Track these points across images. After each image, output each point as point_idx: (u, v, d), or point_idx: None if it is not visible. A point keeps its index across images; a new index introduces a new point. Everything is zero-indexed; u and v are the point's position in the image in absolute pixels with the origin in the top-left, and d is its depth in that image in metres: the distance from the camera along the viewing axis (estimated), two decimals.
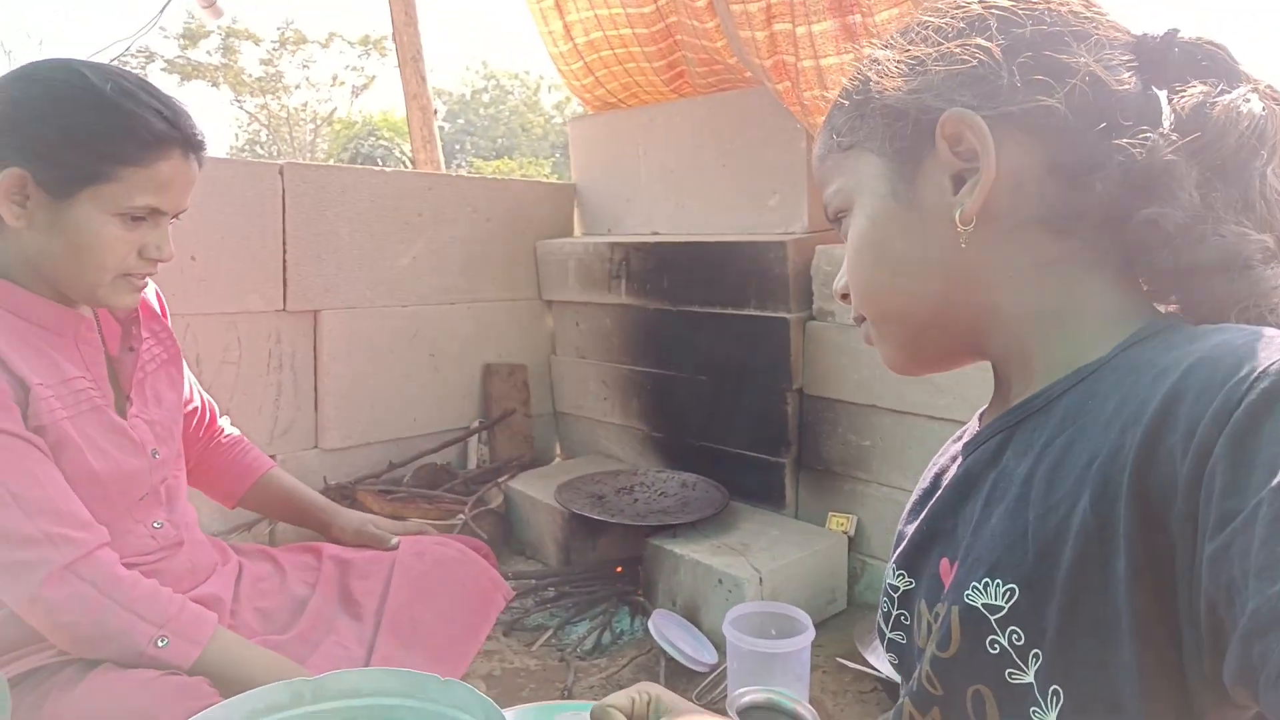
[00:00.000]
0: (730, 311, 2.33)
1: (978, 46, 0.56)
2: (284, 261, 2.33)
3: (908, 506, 0.74)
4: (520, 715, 0.85)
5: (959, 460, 0.66)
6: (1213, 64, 0.56)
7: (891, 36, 0.63)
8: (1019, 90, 0.55)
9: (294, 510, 1.49)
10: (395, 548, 1.40)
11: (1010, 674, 0.51)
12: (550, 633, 1.99)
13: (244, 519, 2.17)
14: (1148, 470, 0.45)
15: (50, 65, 1.03)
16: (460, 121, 28.00)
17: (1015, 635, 0.50)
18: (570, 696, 1.74)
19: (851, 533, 2.13)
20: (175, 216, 1.10)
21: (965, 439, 0.69)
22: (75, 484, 1.03)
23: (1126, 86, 0.56)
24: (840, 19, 1.81)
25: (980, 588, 0.53)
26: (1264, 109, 0.53)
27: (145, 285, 1.12)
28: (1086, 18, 0.58)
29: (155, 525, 1.17)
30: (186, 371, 1.37)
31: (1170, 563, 0.44)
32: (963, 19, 0.58)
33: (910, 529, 0.69)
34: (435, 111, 3.13)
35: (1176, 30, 0.57)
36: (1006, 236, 0.57)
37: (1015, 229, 0.57)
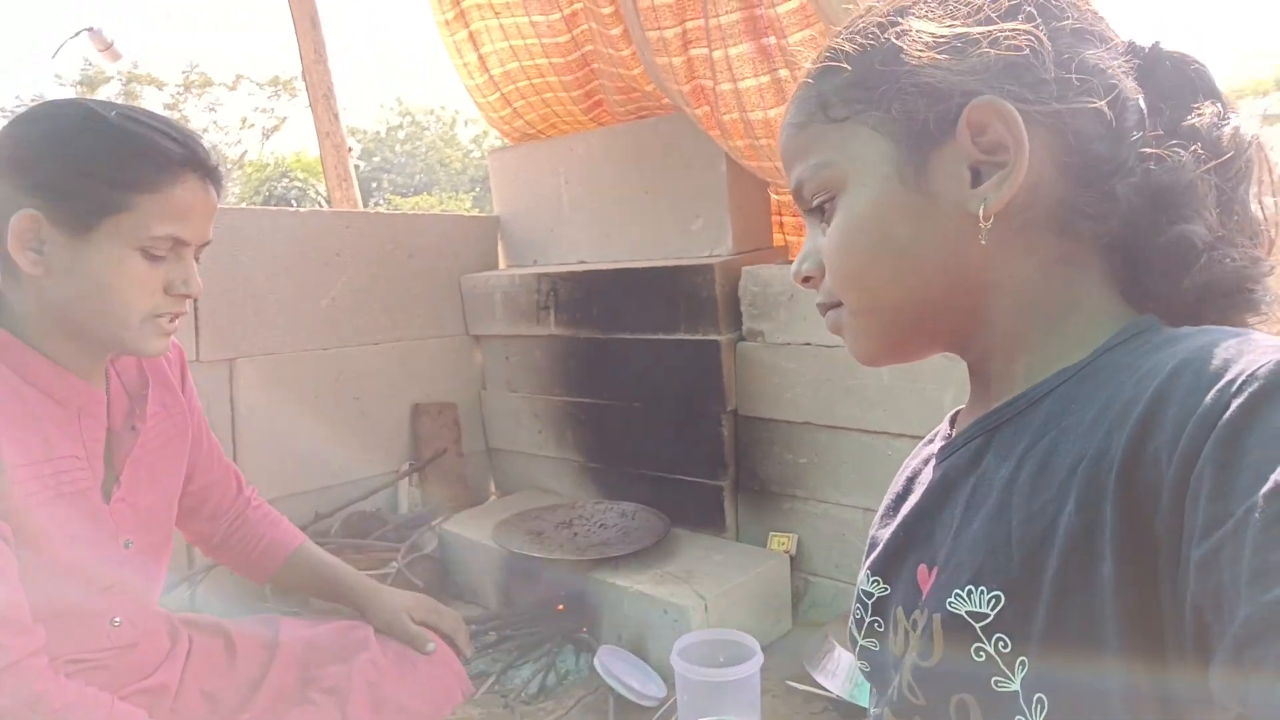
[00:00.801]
0: (661, 337, 2.32)
1: (1030, 34, 0.53)
2: (195, 310, 2.23)
3: (880, 511, 0.73)
4: None
5: (933, 464, 0.65)
6: (1200, 82, 0.58)
7: (928, 6, 0.57)
8: (1057, 86, 0.54)
9: (328, 589, 1.41)
10: (431, 653, 1.34)
11: (996, 682, 0.50)
12: (493, 679, 1.92)
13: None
14: (1133, 473, 0.44)
15: (52, 103, 1.00)
16: (377, 159, 27.64)
17: (1001, 642, 0.50)
18: None
19: (793, 551, 2.13)
20: (199, 251, 1.06)
21: (938, 443, 0.68)
22: (35, 571, 0.96)
23: (1137, 96, 0.56)
24: (755, 41, 1.83)
25: (963, 595, 0.52)
26: (1252, 134, 0.56)
27: (175, 328, 1.06)
28: (1100, 17, 0.58)
29: (114, 622, 1.09)
30: (212, 439, 1.31)
31: (1155, 566, 0.43)
32: (1006, 1, 0.55)
33: (885, 534, 0.67)
34: (351, 150, 3.07)
35: (1159, 42, 0.59)
36: (1015, 234, 0.56)
37: (1024, 227, 0.56)
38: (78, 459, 1.03)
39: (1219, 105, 0.57)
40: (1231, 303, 0.57)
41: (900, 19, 0.57)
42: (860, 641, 0.69)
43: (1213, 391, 0.43)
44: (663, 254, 2.51)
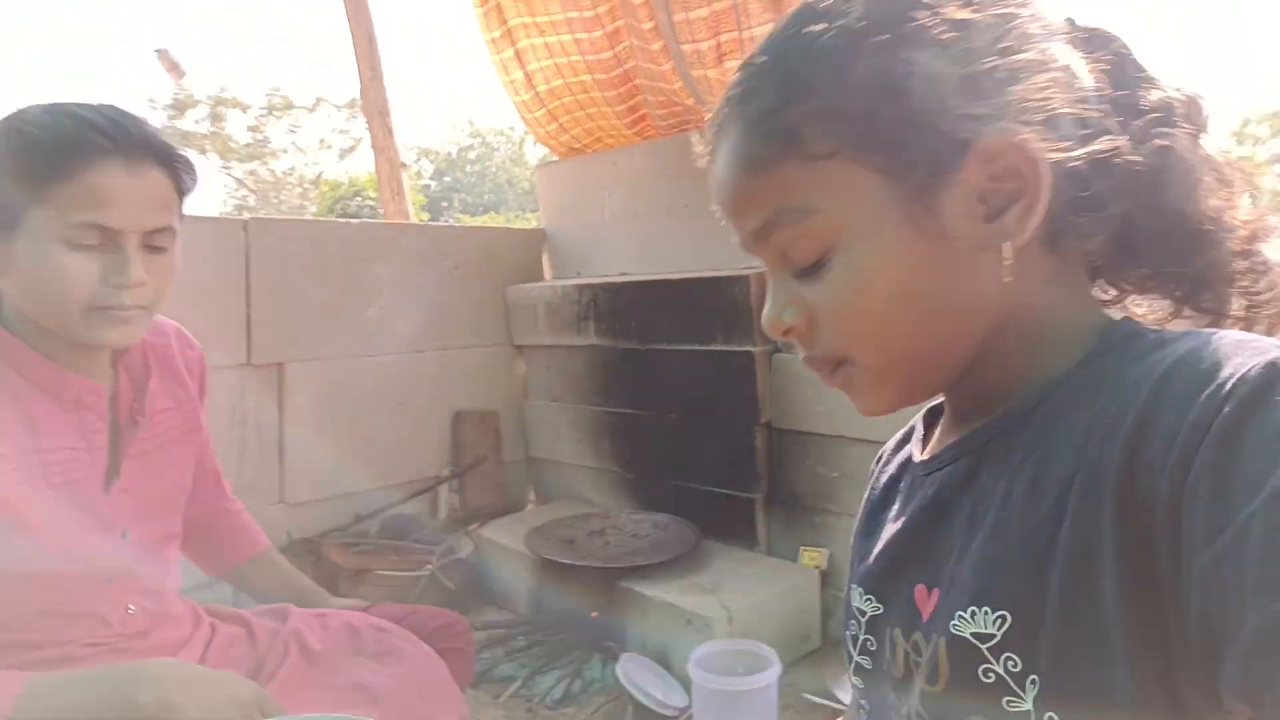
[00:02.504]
0: (696, 347, 2.33)
1: (1040, 65, 0.51)
2: (248, 315, 2.33)
3: (859, 518, 0.71)
4: None
5: (914, 474, 0.63)
6: (1130, 54, 0.57)
7: (930, 31, 0.50)
8: (1067, 117, 0.51)
9: (286, 594, 1.41)
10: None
11: (1008, 702, 0.48)
12: (519, 683, 1.94)
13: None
14: (1129, 484, 0.44)
15: (7, 114, 0.98)
16: (448, 179, 28.31)
17: (1011, 662, 0.48)
18: None
19: (824, 567, 2.10)
20: (156, 240, 1.01)
21: (916, 449, 0.66)
22: (33, 560, 0.98)
23: (1102, 88, 0.54)
24: None
25: (967, 616, 0.51)
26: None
27: (134, 317, 1.00)
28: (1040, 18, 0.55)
29: (129, 610, 1.10)
30: (206, 437, 1.31)
31: (1158, 576, 0.43)
32: (1005, 21, 0.52)
33: (873, 547, 0.65)
34: (416, 170, 3.17)
35: (1088, 22, 0.57)
36: (1016, 257, 0.52)
37: (1024, 248, 0.53)
38: (73, 450, 1.03)
39: (1153, 76, 0.56)
40: (1250, 267, 0.56)
41: (888, 42, 0.50)
42: (855, 659, 0.67)
43: (1203, 396, 0.42)
44: (702, 265, 2.52)
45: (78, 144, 0.93)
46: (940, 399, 0.65)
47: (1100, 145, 0.51)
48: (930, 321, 0.54)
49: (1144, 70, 0.56)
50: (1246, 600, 0.37)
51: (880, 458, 0.74)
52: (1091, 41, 0.56)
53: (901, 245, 0.52)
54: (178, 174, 1.02)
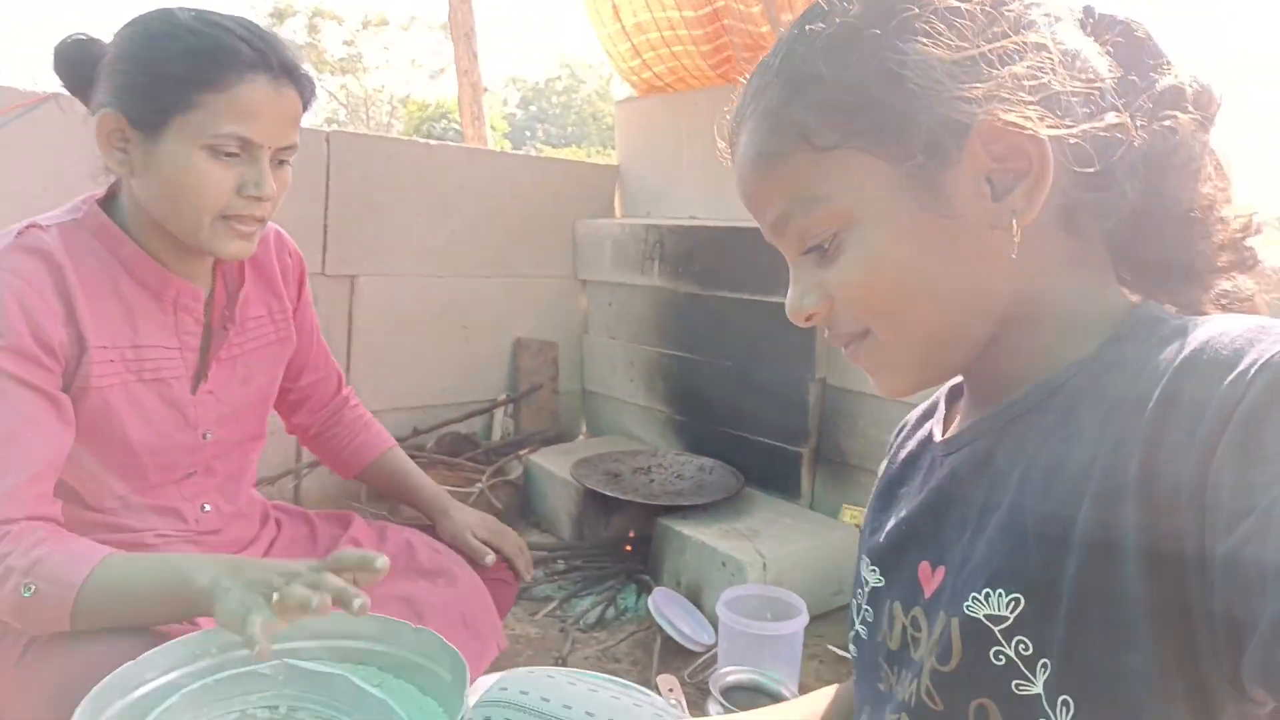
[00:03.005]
0: (759, 298, 2.32)
1: (1037, 47, 0.51)
2: (325, 226, 2.40)
3: (875, 490, 0.72)
4: (501, 680, 0.85)
5: (934, 453, 0.64)
6: (1150, 43, 0.56)
7: (922, 20, 0.51)
8: (1069, 97, 0.52)
9: (407, 495, 1.47)
10: (488, 565, 1.36)
11: (1017, 685, 0.49)
12: (555, 604, 2.01)
13: (267, 471, 2.24)
14: (1152, 470, 0.44)
15: (149, 12, 1.02)
16: (533, 108, 28.27)
17: (1022, 645, 0.49)
18: (564, 664, 1.76)
19: None
20: (283, 155, 1.06)
21: (936, 428, 0.66)
22: (108, 449, 1.04)
23: (1113, 73, 0.54)
24: None
25: (981, 598, 0.52)
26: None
27: (254, 231, 1.06)
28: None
29: (204, 508, 1.17)
30: (322, 341, 1.38)
31: (1181, 562, 0.43)
32: (998, 5, 0.52)
33: (886, 521, 0.67)
34: (503, 98, 3.18)
35: (1100, 9, 0.57)
36: (1029, 240, 0.53)
37: (1037, 231, 0.54)
38: (168, 349, 1.09)
39: (1169, 61, 0.55)
40: (1237, 261, 0.56)
41: (882, 35, 0.52)
42: (855, 628, 0.69)
43: (1226, 383, 0.42)
44: None
45: (233, 57, 0.97)
46: (961, 379, 0.66)
47: (1103, 122, 0.51)
48: (944, 299, 0.55)
49: (1161, 56, 0.56)
50: (1268, 588, 0.38)
51: (900, 430, 0.75)
52: (1102, 25, 0.55)
53: (912, 226, 0.53)
54: (306, 93, 1.06)
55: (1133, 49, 0.55)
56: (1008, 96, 0.50)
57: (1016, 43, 0.51)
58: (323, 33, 22.03)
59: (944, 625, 0.54)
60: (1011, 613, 0.50)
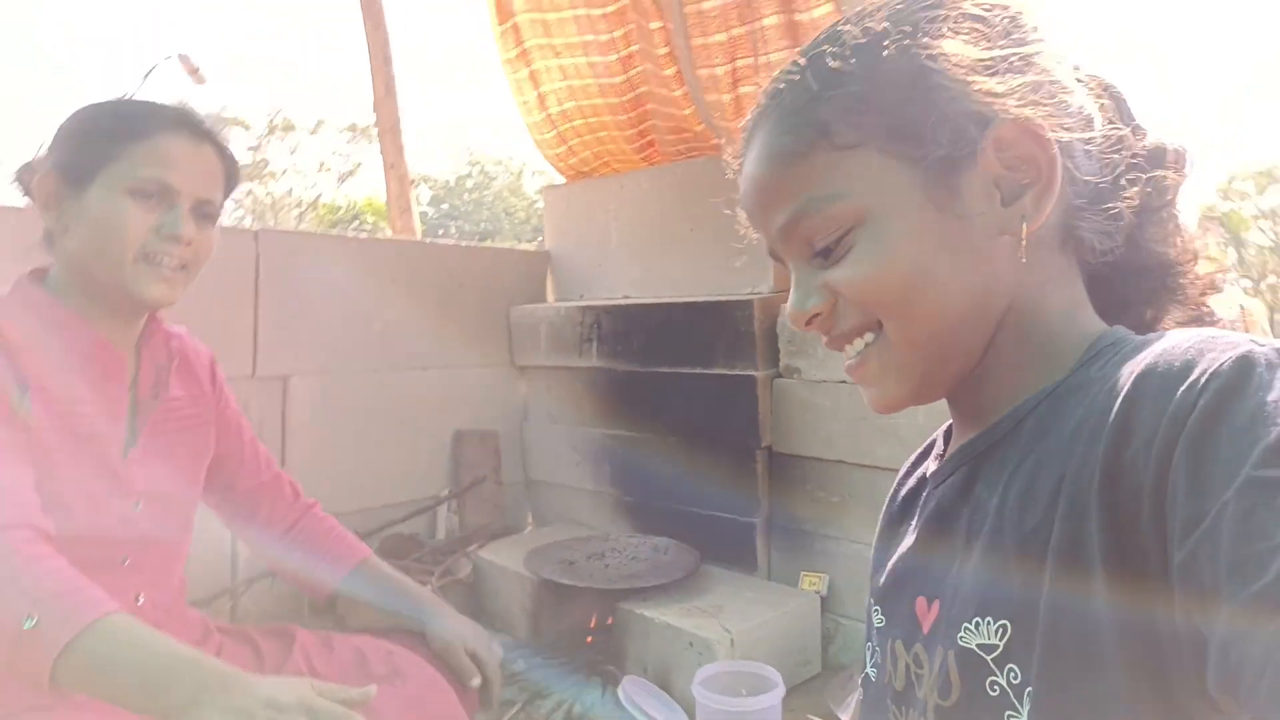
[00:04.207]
0: (699, 371, 2.34)
1: (1049, 55, 0.55)
2: (255, 327, 2.33)
3: (878, 531, 0.73)
4: None
5: (927, 492, 0.64)
6: (1128, 106, 0.60)
7: (949, 23, 0.54)
8: (1067, 105, 0.55)
9: (394, 602, 1.36)
10: (473, 687, 1.29)
11: (1009, 716, 0.49)
12: (518, 707, 1.92)
13: (201, 593, 2.11)
14: (1113, 484, 0.44)
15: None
16: (445, 206, 28.44)
17: (1013, 673, 0.49)
18: None
19: (824, 592, 2.09)
20: (204, 209, 1.12)
21: (933, 463, 0.67)
22: (51, 514, 0.99)
23: (1111, 120, 0.58)
24: None
25: (972, 628, 0.51)
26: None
27: (175, 278, 1.11)
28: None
29: (137, 600, 1.11)
30: (258, 445, 1.38)
31: (1146, 575, 0.43)
32: (1020, 19, 0.56)
33: (887, 560, 0.67)
34: (416, 191, 3.19)
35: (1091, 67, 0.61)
36: (1032, 248, 0.55)
37: (1038, 242, 0.55)
38: (98, 409, 1.10)
39: (1144, 124, 0.59)
40: (1195, 316, 0.60)
41: (910, 35, 0.53)
42: (866, 670, 0.68)
43: (1179, 393, 0.43)
44: (705, 290, 2.54)
45: (154, 115, 1.10)
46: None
47: (1109, 132, 0.55)
48: (950, 300, 0.55)
49: (1135, 118, 0.60)
50: (1221, 590, 0.38)
51: (903, 470, 0.75)
52: (1093, 84, 0.59)
53: (923, 224, 0.54)
54: (228, 163, 1.16)
55: (1118, 106, 0.59)
56: (1028, 98, 0.52)
57: (1032, 52, 0.54)
58: (229, 140, 21.89)
59: (942, 659, 0.54)
60: (1001, 640, 0.49)
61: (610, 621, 2.08)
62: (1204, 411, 0.41)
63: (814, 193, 0.56)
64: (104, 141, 1.07)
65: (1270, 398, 0.40)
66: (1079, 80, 0.57)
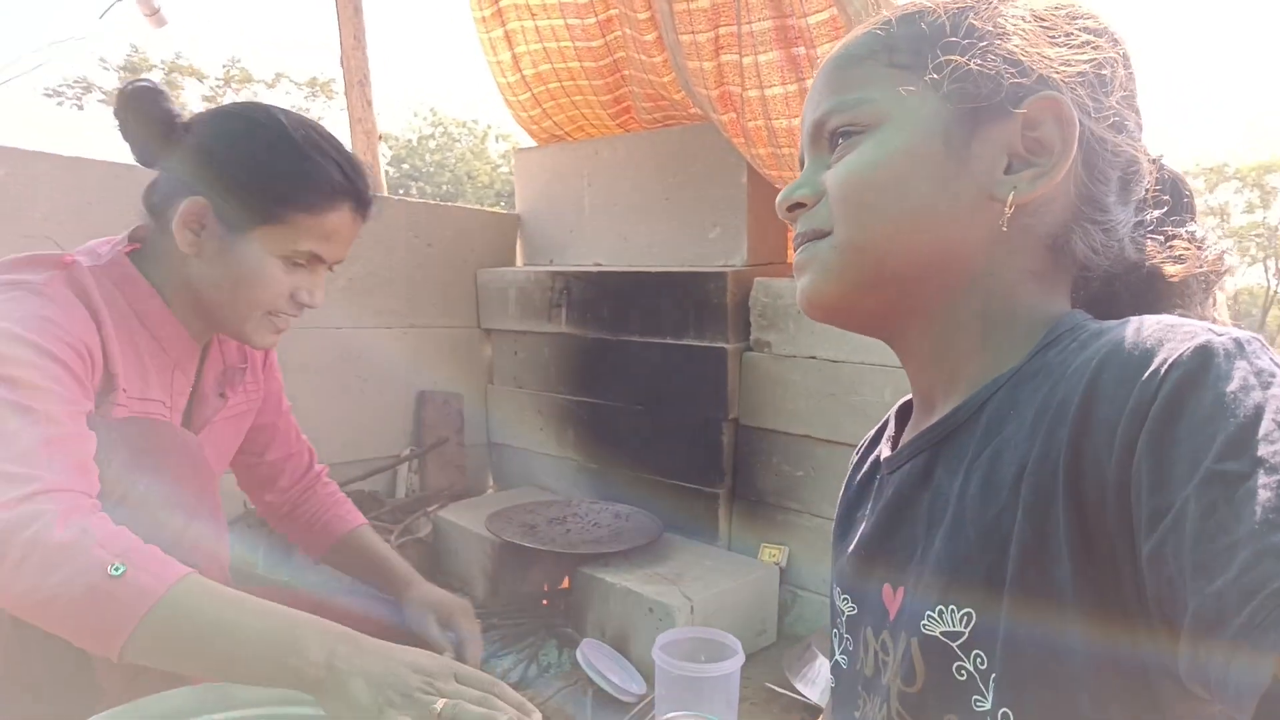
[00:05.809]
0: (669, 341, 2.33)
1: (1113, 58, 0.56)
2: None
3: (836, 516, 0.73)
4: None
5: (883, 477, 0.65)
6: (1191, 203, 0.63)
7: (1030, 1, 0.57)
8: (1114, 115, 0.56)
9: (377, 572, 1.39)
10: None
11: (975, 701, 0.49)
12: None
13: None
14: (1077, 472, 0.45)
15: (252, 106, 1.07)
16: (406, 166, 27.92)
17: (979, 659, 0.49)
18: None
19: (783, 564, 2.12)
20: (331, 266, 1.13)
21: (886, 447, 0.67)
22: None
23: (1153, 172, 0.60)
24: (785, 50, 1.86)
25: (935, 616, 0.52)
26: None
27: (285, 328, 1.12)
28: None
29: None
30: (290, 416, 1.39)
31: (1114, 563, 0.43)
32: (1094, 20, 0.58)
33: (848, 548, 0.67)
34: (380, 149, 3.10)
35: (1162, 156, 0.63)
36: (1014, 234, 0.56)
37: (1024, 232, 0.56)
38: (164, 404, 1.09)
39: (1202, 229, 0.61)
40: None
41: (1005, 3, 0.57)
42: (835, 656, 0.69)
43: (1139, 383, 0.43)
44: (678, 261, 2.53)
45: (329, 184, 1.04)
46: (908, 396, 0.68)
47: (1133, 140, 0.57)
48: (910, 224, 0.57)
49: (1190, 215, 0.63)
50: (1187, 584, 0.38)
51: (856, 452, 0.76)
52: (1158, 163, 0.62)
53: (926, 151, 0.56)
54: (368, 218, 1.14)
55: (1176, 191, 0.62)
56: (1076, 82, 0.55)
57: (1079, 44, 0.56)
58: (183, 89, 21.17)
59: (905, 645, 0.55)
60: (966, 627, 0.50)
61: (566, 584, 2.09)
62: (1165, 403, 0.41)
63: (855, 93, 0.59)
64: (274, 201, 1.02)
65: (1229, 389, 0.40)
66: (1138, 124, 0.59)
